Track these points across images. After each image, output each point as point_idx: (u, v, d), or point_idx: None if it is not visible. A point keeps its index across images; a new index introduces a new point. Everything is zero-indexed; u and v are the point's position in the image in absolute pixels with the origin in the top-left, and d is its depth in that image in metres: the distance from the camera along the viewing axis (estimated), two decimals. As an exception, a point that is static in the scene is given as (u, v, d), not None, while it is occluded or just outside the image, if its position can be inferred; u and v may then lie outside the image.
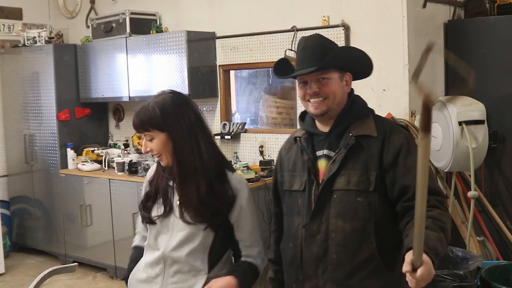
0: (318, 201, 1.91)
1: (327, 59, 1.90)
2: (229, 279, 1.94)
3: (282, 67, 2.03)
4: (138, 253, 2.17)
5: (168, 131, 1.94)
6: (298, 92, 2.00)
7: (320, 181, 1.93)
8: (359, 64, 2.00)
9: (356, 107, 1.98)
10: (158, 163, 2.06)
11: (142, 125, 1.96)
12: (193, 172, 1.95)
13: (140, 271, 2.09)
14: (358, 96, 2.04)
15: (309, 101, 1.95)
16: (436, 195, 1.84)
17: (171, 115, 1.95)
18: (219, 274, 2.00)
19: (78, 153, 5.46)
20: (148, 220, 2.04)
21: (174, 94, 2.02)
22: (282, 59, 2.04)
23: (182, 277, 1.99)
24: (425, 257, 1.57)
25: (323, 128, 2.00)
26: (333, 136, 1.96)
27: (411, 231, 1.65)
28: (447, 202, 4.15)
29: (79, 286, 4.95)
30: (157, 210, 2.02)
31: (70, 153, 5.39)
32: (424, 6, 4.13)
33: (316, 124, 2.02)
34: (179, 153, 1.95)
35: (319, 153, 1.98)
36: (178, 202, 1.98)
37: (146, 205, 2.06)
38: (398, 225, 1.86)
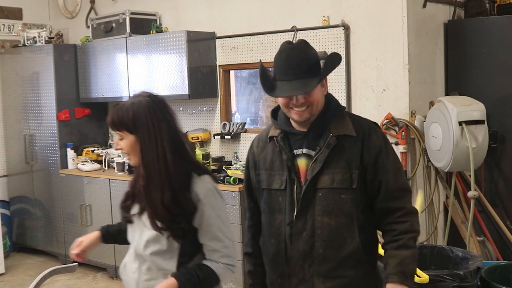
0: (302, 199, 1.98)
1: (319, 79, 1.95)
2: (170, 282, 1.94)
3: (265, 78, 2.03)
4: None
5: (137, 135, 1.99)
6: (280, 100, 2.02)
7: (303, 180, 1.99)
8: (334, 68, 2.07)
9: (332, 107, 2.05)
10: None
11: (114, 125, 2.02)
12: (158, 180, 1.96)
13: (128, 262, 2.15)
14: (331, 95, 2.10)
15: (292, 108, 1.99)
16: (407, 191, 2.04)
17: (142, 120, 1.98)
18: None
19: (78, 153, 5.46)
20: (126, 220, 2.11)
21: (151, 98, 2.04)
22: (262, 70, 2.05)
23: (153, 275, 2.04)
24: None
25: (300, 127, 2.04)
26: (311, 135, 2.02)
27: (390, 258, 1.93)
28: (446, 202, 4.16)
29: (79, 286, 4.95)
30: (134, 209, 2.07)
31: (70, 153, 5.39)
32: (424, 6, 4.13)
33: (291, 122, 2.05)
34: (145, 158, 1.98)
35: (297, 151, 2.03)
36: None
37: (125, 204, 2.11)
38: (378, 222, 2.03)
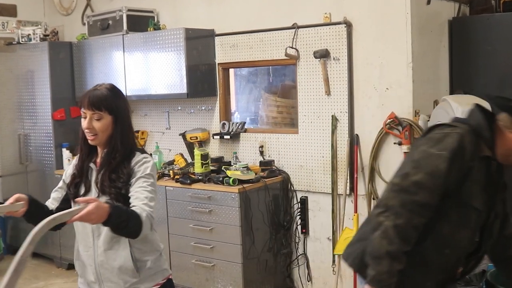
0: (491, 225, 2.08)
1: None
2: (103, 205, 2.01)
3: None
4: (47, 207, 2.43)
5: (115, 116, 2.23)
6: None
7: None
8: None
9: None
10: (82, 148, 2.32)
11: (97, 104, 2.20)
12: (115, 157, 2.22)
13: (80, 245, 2.38)
14: None
15: None
16: None
17: (120, 103, 2.27)
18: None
19: (74, 153, 5.36)
20: (74, 196, 2.29)
21: (115, 86, 2.34)
22: None
23: (107, 246, 2.26)
24: None
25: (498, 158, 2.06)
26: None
27: None
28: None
29: (75, 289, 4.88)
30: (81, 188, 2.30)
31: (66, 153, 5.32)
32: (428, 2, 4.08)
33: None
34: (115, 138, 2.23)
35: None
36: (95, 181, 2.25)
37: (73, 183, 2.31)
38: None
